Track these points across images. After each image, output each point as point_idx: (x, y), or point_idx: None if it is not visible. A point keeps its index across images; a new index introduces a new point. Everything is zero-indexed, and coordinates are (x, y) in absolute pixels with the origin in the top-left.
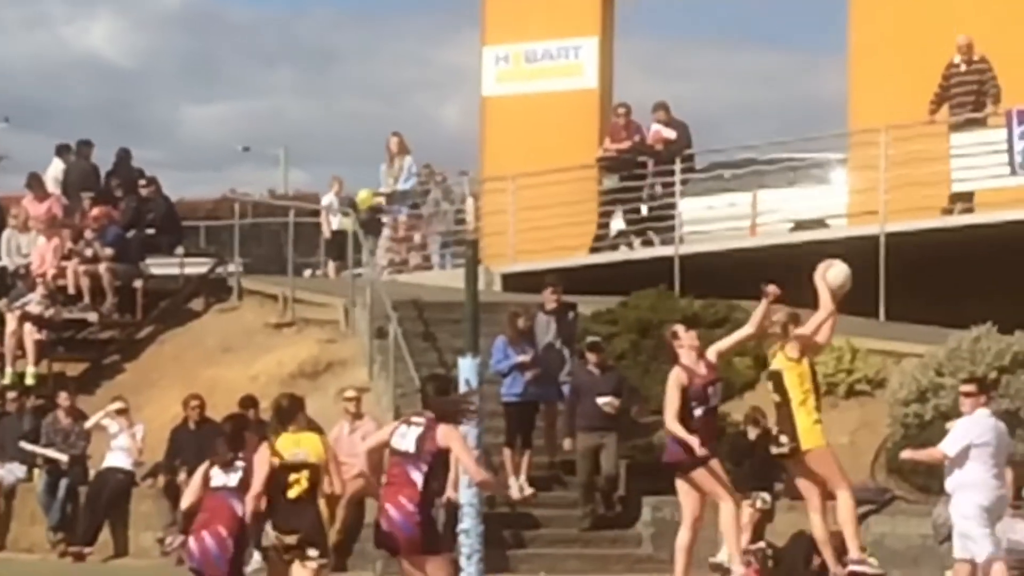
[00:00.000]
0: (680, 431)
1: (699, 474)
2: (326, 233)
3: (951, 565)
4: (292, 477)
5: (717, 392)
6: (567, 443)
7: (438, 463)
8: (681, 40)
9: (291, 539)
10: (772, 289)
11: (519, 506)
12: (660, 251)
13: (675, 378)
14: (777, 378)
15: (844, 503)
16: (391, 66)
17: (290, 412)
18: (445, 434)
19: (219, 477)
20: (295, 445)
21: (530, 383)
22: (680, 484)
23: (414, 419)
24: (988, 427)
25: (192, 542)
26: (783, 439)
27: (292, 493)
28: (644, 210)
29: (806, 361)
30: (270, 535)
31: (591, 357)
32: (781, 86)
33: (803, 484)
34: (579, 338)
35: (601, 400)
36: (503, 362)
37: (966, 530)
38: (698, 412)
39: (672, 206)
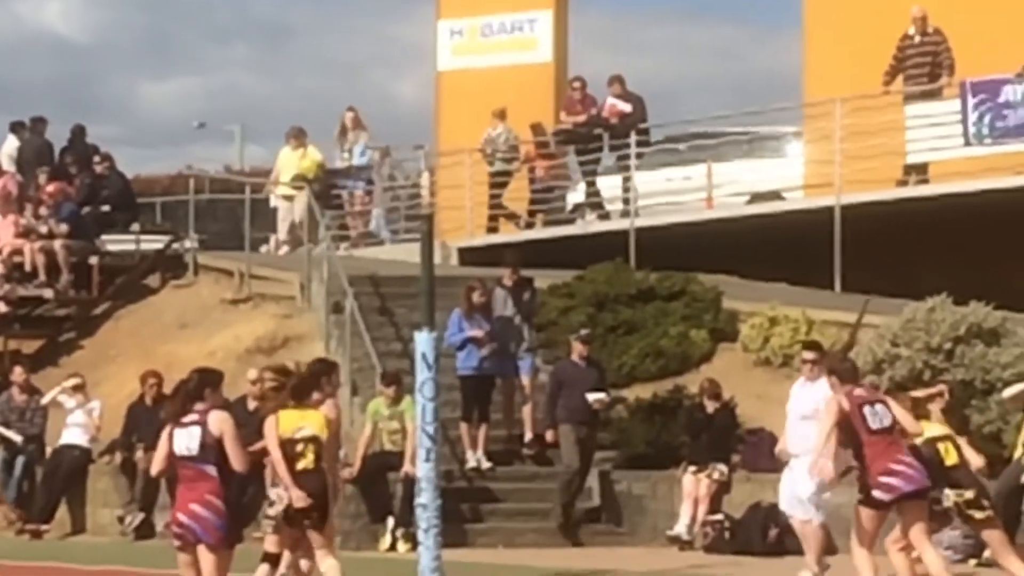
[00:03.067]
0: None
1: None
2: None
3: None
4: (298, 449)
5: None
6: (549, 435)
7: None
8: (636, 13)
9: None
10: None
11: (477, 480)
12: (616, 224)
13: None
14: None
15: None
16: (346, 41)
17: (306, 388)
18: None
19: (181, 440)
20: (300, 420)
21: (485, 357)
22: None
23: None
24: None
25: (181, 516)
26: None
27: (300, 465)
28: (599, 183)
29: None
30: (279, 503)
31: (580, 348)
32: (736, 59)
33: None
34: (537, 313)
35: (592, 397)
36: (457, 335)
37: (801, 493)
38: None
39: (627, 179)
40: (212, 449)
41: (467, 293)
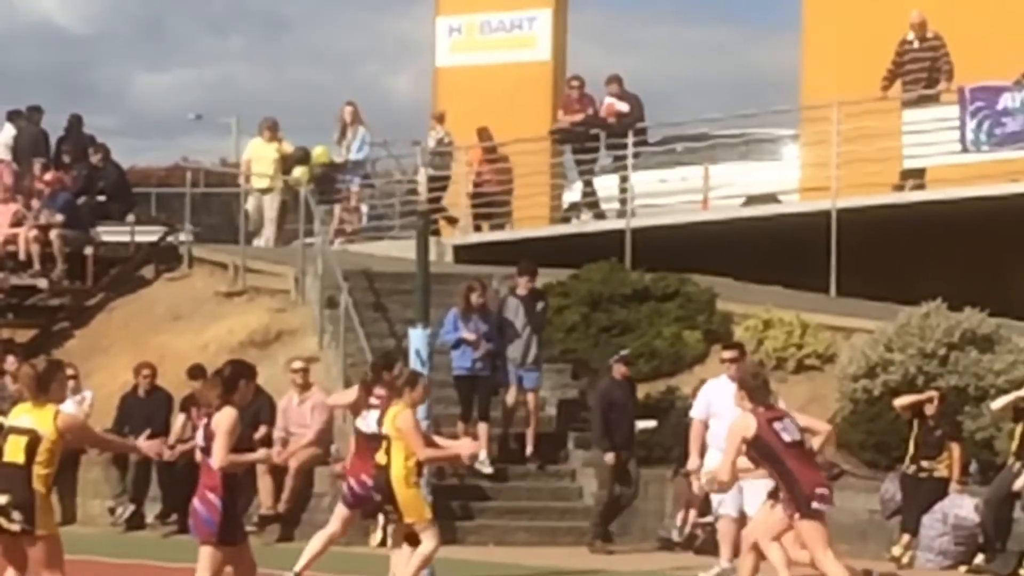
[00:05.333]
0: None
1: None
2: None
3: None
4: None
5: None
6: (609, 457)
7: None
8: (633, 13)
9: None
10: None
11: (468, 478)
12: (612, 224)
13: None
14: None
15: None
16: (343, 35)
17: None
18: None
19: (199, 431)
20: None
21: (477, 359)
22: None
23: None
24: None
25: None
26: None
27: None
28: (596, 183)
29: None
30: None
31: (622, 370)
32: (733, 60)
33: None
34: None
35: (643, 425)
36: (451, 334)
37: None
38: None
39: (624, 179)
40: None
41: (466, 293)
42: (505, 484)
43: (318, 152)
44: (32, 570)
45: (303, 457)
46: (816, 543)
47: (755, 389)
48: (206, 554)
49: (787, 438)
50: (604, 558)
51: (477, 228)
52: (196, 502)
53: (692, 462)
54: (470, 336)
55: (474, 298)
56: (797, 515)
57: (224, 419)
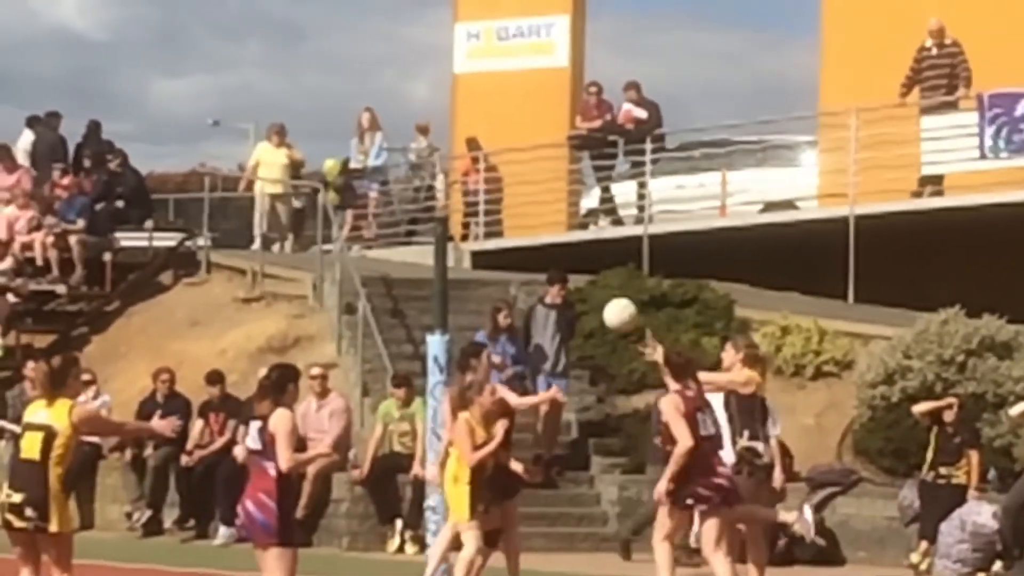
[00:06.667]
0: None
1: None
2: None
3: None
4: None
5: None
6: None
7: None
8: (651, 19)
9: None
10: None
11: None
12: (629, 230)
13: None
14: None
15: None
16: (360, 42)
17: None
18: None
19: (252, 435)
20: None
21: (505, 382)
22: None
23: None
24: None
25: (239, 510)
26: None
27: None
28: (614, 189)
29: None
30: None
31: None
32: (750, 66)
33: None
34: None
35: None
36: None
37: None
38: None
39: (642, 185)
40: (271, 446)
41: (493, 314)
42: (523, 490)
43: (329, 166)
44: (43, 569)
45: (321, 463)
46: (662, 529)
47: (679, 366)
48: (273, 557)
49: (702, 432)
50: (632, 564)
51: (464, 238)
52: (250, 506)
53: None
54: (496, 359)
55: (501, 319)
56: (668, 499)
57: (282, 421)
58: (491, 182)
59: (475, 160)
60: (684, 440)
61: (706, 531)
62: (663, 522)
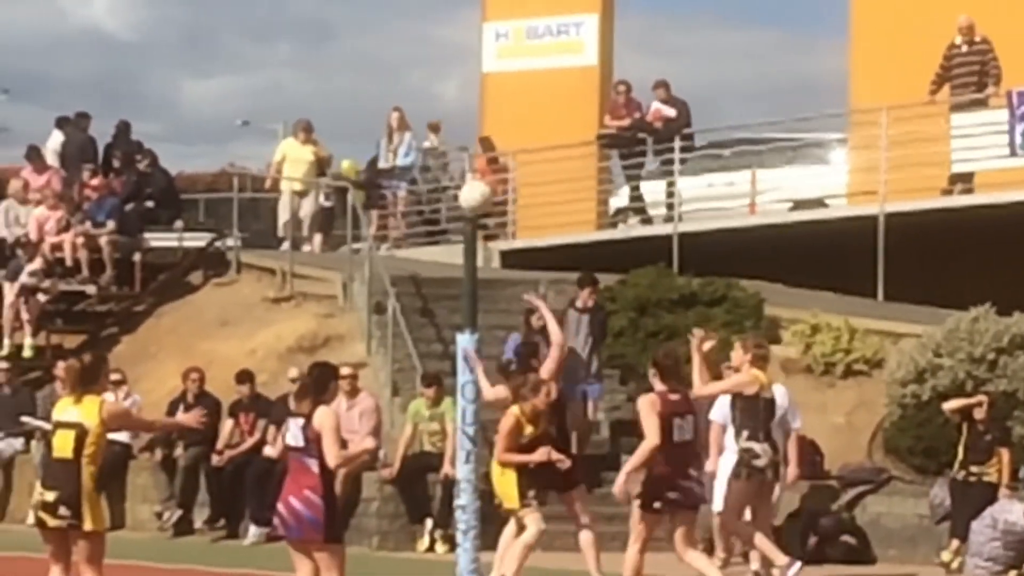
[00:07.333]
0: None
1: None
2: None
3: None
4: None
5: None
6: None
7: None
8: (679, 18)
9: None
10: None
11: None
12: (659, 229)
13: None
14: None
15: None
16: (389, 42)
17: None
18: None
19: (293, 433)
20: None
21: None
22: None
23: None
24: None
25: (280, 507)
26: None
27: None
28: (643, 188)
29: None
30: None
31: None
32: (780, 65)
33: None
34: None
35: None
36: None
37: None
38: None
39: (671, 184)
40: (314, 444)
41: (526, 317)
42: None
43: (345, 167)
44: (74, 567)
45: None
46: (639, 534)
47: (667, 368)
48: (326, 555)
49: (676, 437)
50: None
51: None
52: (296, 504)
53: (710, 464)
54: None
55: (534, 321)
56: (639, 502)
57: (327, 418)
58: (503, 183)
59: (491, 160)
60: (651, 438)
61: (678, 534)
62: (634, 527)
